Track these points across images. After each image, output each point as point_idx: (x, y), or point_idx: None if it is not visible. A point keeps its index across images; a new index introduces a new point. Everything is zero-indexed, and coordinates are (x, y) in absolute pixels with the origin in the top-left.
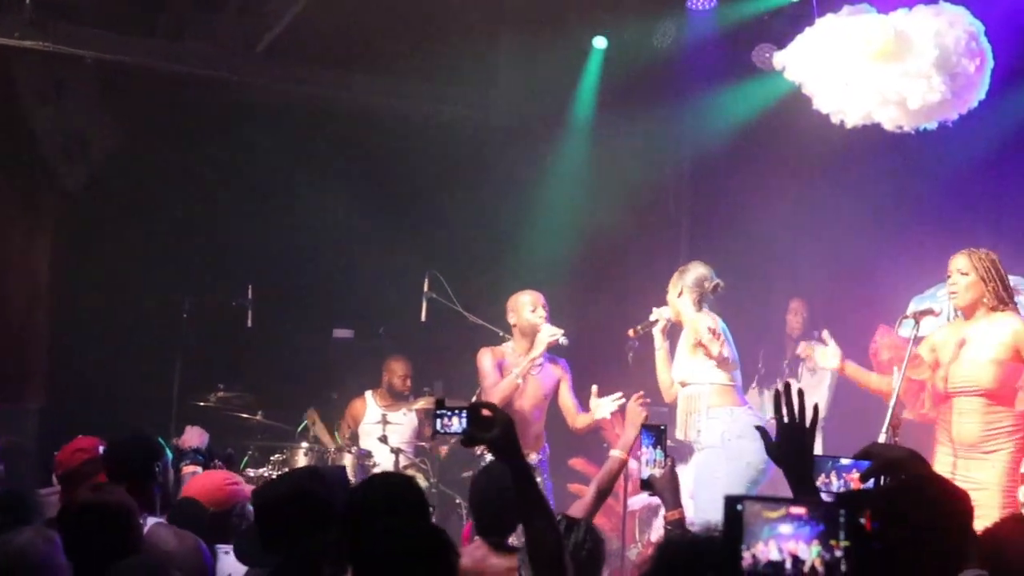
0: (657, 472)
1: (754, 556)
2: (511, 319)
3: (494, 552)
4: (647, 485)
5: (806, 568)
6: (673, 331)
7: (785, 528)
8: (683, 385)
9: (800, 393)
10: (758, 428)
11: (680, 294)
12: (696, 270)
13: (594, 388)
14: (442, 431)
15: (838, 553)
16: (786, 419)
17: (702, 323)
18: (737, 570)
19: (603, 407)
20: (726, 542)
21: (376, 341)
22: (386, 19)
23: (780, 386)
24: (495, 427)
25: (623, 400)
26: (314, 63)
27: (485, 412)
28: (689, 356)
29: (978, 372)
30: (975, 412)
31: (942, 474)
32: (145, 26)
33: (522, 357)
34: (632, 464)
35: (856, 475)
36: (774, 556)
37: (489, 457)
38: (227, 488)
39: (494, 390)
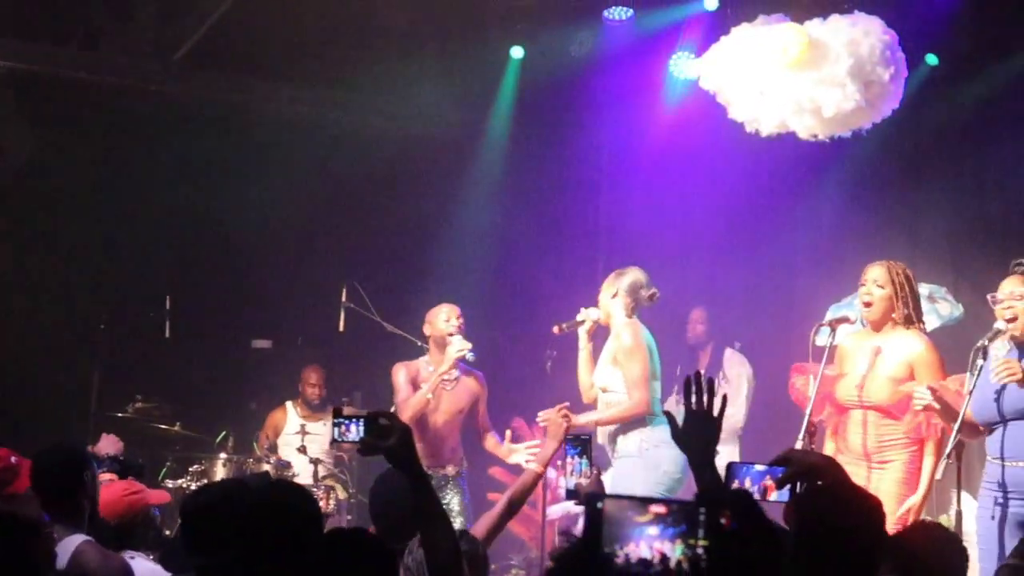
0: (584, 481)
1: (627, 555)
2: (427, 331)
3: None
4: (573, 494)
5: (672, 565)
6: (600, 332)
7: (652, 529)
8: (603, 391)
9: (710, 382)
10: (665, 413)
11: (615, 295)
12: (633, 275)
13: (508, 433)
14: (340, 439)
15: (700, 551)
16: (694, 406)
17: (624, 337)
18: (598, 565)
19: (516, 455)
20: (587, 538)
21: (295, 351)
22: (306, 28)
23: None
24: (392, 436)
25: (536, 449)
26: (233, 72)
27: (382, 421)
28: (611, 364)
29: (877, 387)
30: (872, 424)
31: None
32: (60, 35)
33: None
34: (550, 473)
35: (772, 481)
36: (645, 555)
37: None
38: (126, 499)
39: (405, 405)
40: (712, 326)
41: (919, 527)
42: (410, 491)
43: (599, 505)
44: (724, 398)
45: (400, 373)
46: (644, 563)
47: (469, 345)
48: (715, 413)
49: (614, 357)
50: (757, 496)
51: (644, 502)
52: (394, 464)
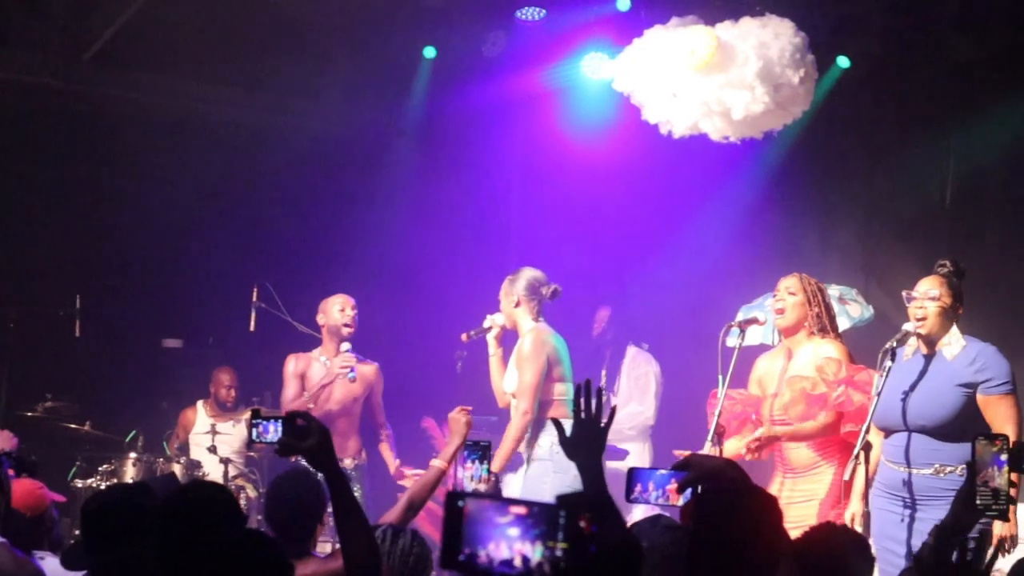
0: (482, 487)
1: (488, 556)
2: (320, 320)
3: (297, 560)
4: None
5: (533, 565)
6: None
7: (513, 530)
8: (515, 397)
9: (599, 392)
10: (553, 420)
11: (517, 304)
12: (527, 275)
13: (395, 463)
14: (258, 440)
15: (559, 553)
16: (582, 415)
17: (524, 344)
18: (455, 562)
19: (405, 480)
20: (445, 536)
21: (206, 351)
22: (216, 28)
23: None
24: (311, 436)
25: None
26: (144, 71)
27: (300, 422)
28: (516, 370)
29: (791, 409)
30: (787, 446)
31: (773, 491)
32: None
33: (326, 358)
34: (460, 474)
35: (675, 485)
36: (505, 556)
37: None
38: (37, 493)
39: (285, 405)
40: (618, 325)
41: (823, 527)
42: (328, 491)
43: (460, 504)
44: (614, 409)
45: (290, 364)
46: (506, 564)
47: (353, 363)
48: (602, 423)
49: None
50: (662, 501)
51: (507, 503)
52: (313, 464)
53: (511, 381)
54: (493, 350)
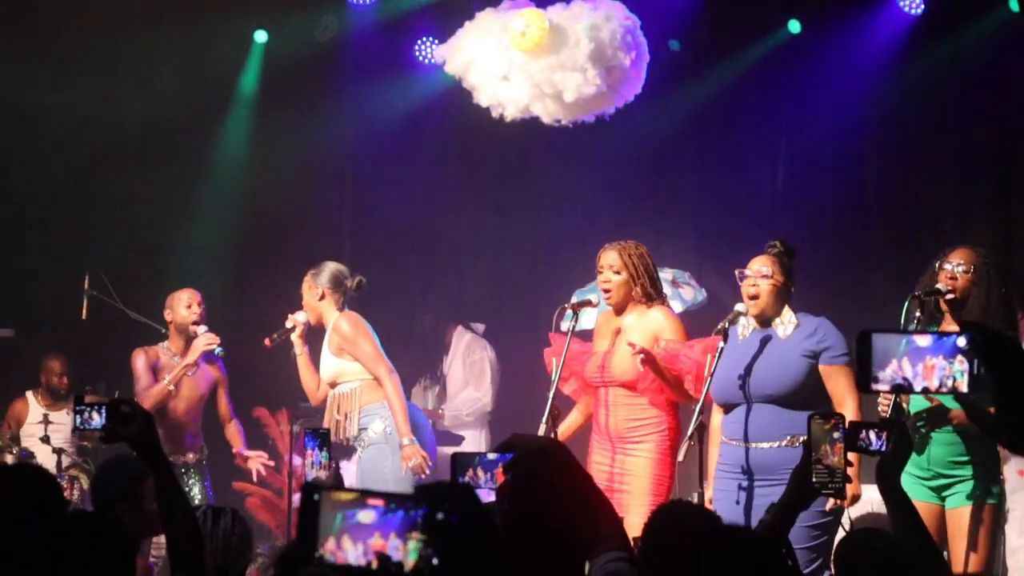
0: (323, 474)
1: (345, 551)
2: (168, 316)
3: None
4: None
5: (392, 560)
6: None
7: (367, 518)
8: (332, 385)
9: None
10: None
11: (322, 297)
12: (330, 269)
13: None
14: (82, 427)
15: (419, 544)
16: None
17: (342, 327)
18: (311, 557)
19: (251, 462)
20: (301, 531)
21: (37, 340)
22: (39, 9)
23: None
24: (135, 423)
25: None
26: None
27: (124, 408)
28: (335, 356)
29: (618, 361)
30: (617, 405)
31: (600, 462)
32: None
33: (177, 357)
34: (297, 461)
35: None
36: (360, 550)
37: None
38: None
39: (146, 395)
40: (445, 313)
41: (663, 507)
42: (153, 479)
43: (315, 497)
44: None
45: (139, 359)
46: (363, 558)
47: (218, 340)
48: None
49: (338, 348)
50: (491, 485)
51: (363, 494)
52: (137, 451)
53: (327, 371)
54: (299, 350)
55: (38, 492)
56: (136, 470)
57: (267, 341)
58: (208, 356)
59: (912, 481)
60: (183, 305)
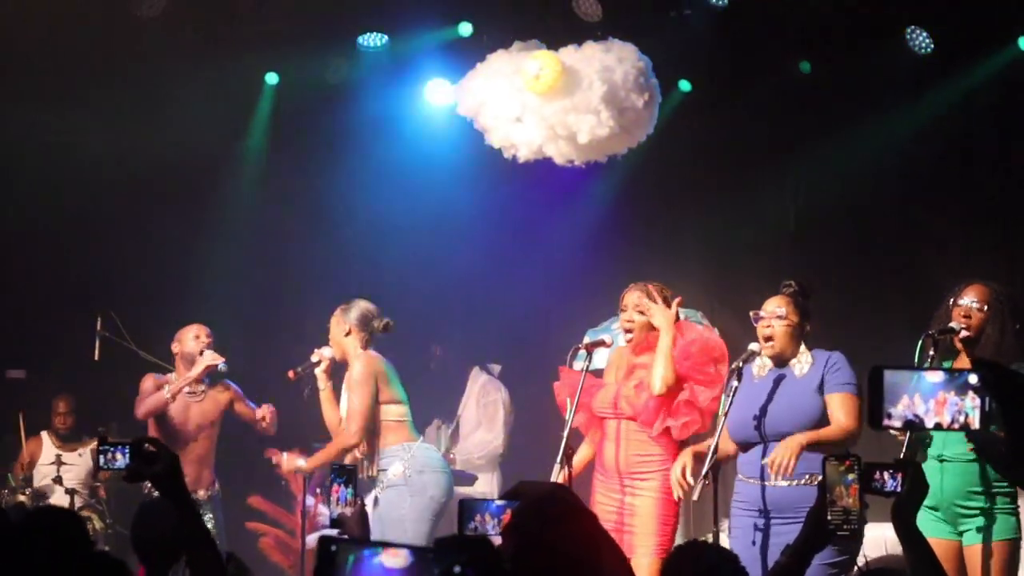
0: (348, 511)
1: None
2: (175, 348)
3: None
4: (337, 523)
5: None
6: (339, 369)
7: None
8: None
9: None
10: None
11: (348, 333)
12: (360, 307)
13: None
14: (106, 467)
15: None
16: None
17: (354, 369)
18: None
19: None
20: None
21: (50, 381)
22: (53, 48)
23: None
24: (159, 462)
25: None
26: None
27: (148, 447)
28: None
29: (631, 394)
30: (626, 438)
31: (605, 503)
32: None
33: (188, 391)
34: (309, 501)
35: (510, 515)
36: None
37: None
38: None
39: (140, 403)
40: (455, 354)
41: (692, 547)
42: (177, 518)
43: (332, 549)
44: None
45: (148, 380)
46: None
47: (222, 358)
48: None
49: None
50: (499, 531)
51: (380, 546)
52: (161, 491)
53: (345, 409)
54: (323, 384)
55: (68, 534)
56: None
57: (291, 373)
58: (215, 380)
59: (928, 517)
60: (191, 336)
